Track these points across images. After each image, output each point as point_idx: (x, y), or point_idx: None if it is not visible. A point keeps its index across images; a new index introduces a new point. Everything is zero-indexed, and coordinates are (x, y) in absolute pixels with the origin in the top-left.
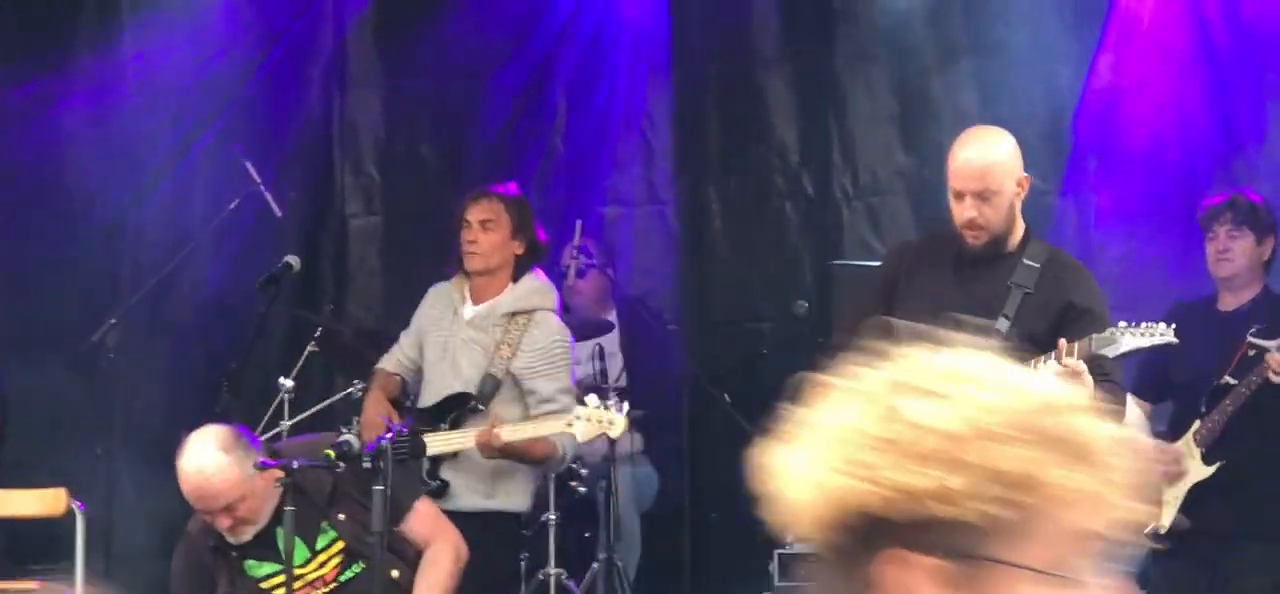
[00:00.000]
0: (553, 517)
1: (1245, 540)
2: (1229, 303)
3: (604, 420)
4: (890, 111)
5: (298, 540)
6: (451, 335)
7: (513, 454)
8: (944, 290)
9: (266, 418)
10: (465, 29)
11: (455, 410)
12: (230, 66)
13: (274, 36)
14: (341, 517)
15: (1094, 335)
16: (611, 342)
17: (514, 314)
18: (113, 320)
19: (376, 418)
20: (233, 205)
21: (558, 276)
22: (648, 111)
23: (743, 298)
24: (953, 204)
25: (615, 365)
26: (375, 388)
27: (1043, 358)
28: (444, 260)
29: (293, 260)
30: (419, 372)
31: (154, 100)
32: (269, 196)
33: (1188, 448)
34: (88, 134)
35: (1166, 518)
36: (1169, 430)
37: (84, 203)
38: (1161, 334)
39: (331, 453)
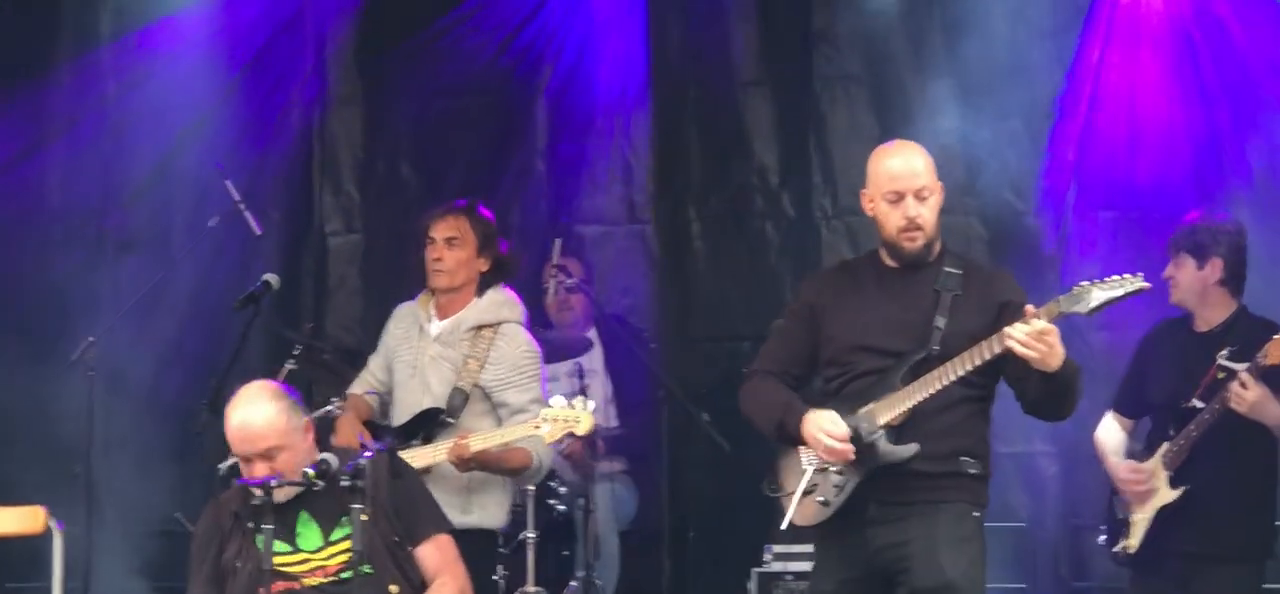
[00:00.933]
0: (531, 534)
1: (1212, 562)
2: (1202, 324)
3: (570, 418)
4: (870, 131)
5: (315, 526)
6: (420, 353)
7: (489, 465)
8: (874, 306)
9: (321, 414)
10: (446, 49)
11: (426, 427)
12: (210, 84)
13: (254, 55)
14: (364, 517)
15: (1061, 296)
16: (592, 359)
17: (479, 328)
18: (92, 338)
19: (352, 438)
20: (212, 223)
21: (536, 294)
22: (628, 131)
23: (722, 317)
24: (887, 211)
25: (596, 382)
26: (349, 411)
27: (1010, 327)
28: (424, 279)
29: (272, 278)
30: (391, 392)
31: (132, 118)
32: (248, 215)
33: (1156, 470)
34: (66, 152)
35: (1135, 539)
36: (1145, 449)
37: (63, 220)
38: (1132, 282)
39: (311, 472)
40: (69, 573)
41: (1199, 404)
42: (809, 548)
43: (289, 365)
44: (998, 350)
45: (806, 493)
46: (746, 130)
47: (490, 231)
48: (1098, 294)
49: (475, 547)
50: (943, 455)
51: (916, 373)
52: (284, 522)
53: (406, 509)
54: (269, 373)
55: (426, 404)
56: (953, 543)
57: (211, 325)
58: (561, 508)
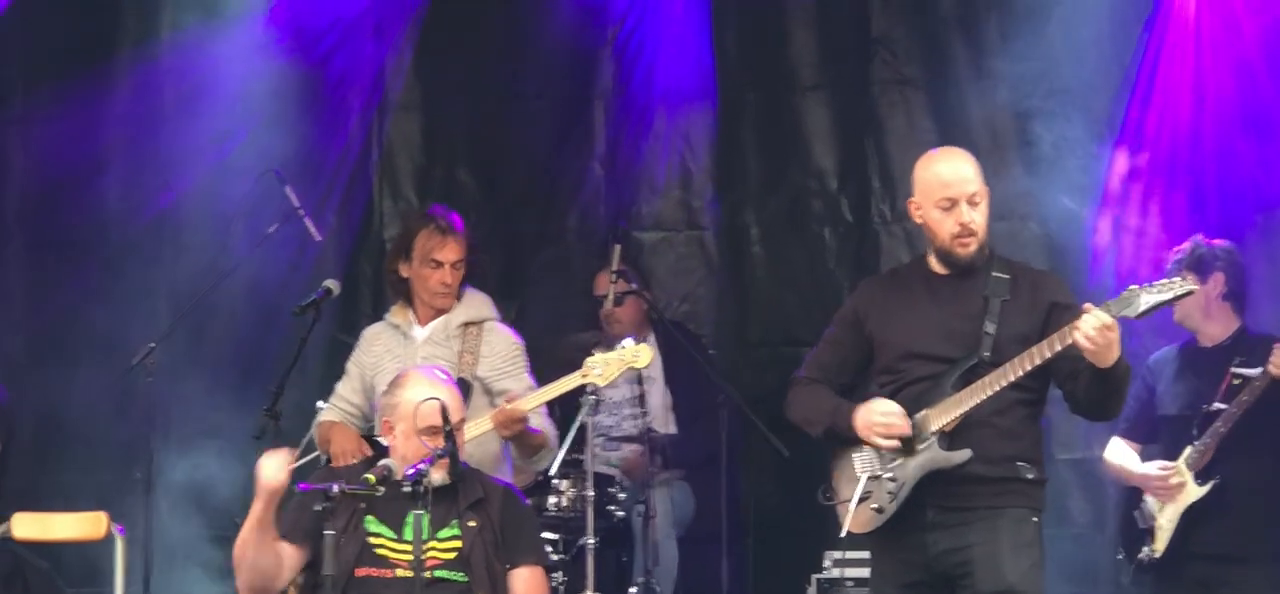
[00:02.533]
0: (590, 540)
1: (1240, 563)
2: (1207, 341)
3: (626, 358)
4: (928, 136)
5: (426, 519)
6: (408, 359)
7: (523, 434)
8: (924, 313)
9: (305, 441)
10: (504, 55)
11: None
12: (270, 90)
13: (314, 61)
14: (473, 524)
15: (1110, 301)
16: (651, 367)
17: (467, 324)
18: (153, 344)
19: (353, 447)
20: (272, 229)
21: (594, 302)
22: (687, 136)
23: (780, 322)
24: (939, 218)
25: (655, 391)
26: (335, 426)
27: (1070, 324)
28: (479, 283)
29: (332, 284)
30: (366, 419)
31: (191, 121)
32: (308, 221)
33: (1180, 473)
34: (125, 154)
35: (1161, 542)
36: (1163, 457)
37: (122, 224)
38: (1180, 285)
39: (372, 477)
40: (129, 578)
41: (1222, 406)
42: (868, 554)
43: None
44: (1058, 349)
45: (861, 500)
46: (805, 135)
47: (474, 245)
48: (1146, 298)
49: None
50: (999, 460)
51: (968, 379)
52: (396, 510)
53: (512, 531)
54: (329, 380)
55: None
56: (1014, 548)
57: (270, 331)
58: (620, 513)
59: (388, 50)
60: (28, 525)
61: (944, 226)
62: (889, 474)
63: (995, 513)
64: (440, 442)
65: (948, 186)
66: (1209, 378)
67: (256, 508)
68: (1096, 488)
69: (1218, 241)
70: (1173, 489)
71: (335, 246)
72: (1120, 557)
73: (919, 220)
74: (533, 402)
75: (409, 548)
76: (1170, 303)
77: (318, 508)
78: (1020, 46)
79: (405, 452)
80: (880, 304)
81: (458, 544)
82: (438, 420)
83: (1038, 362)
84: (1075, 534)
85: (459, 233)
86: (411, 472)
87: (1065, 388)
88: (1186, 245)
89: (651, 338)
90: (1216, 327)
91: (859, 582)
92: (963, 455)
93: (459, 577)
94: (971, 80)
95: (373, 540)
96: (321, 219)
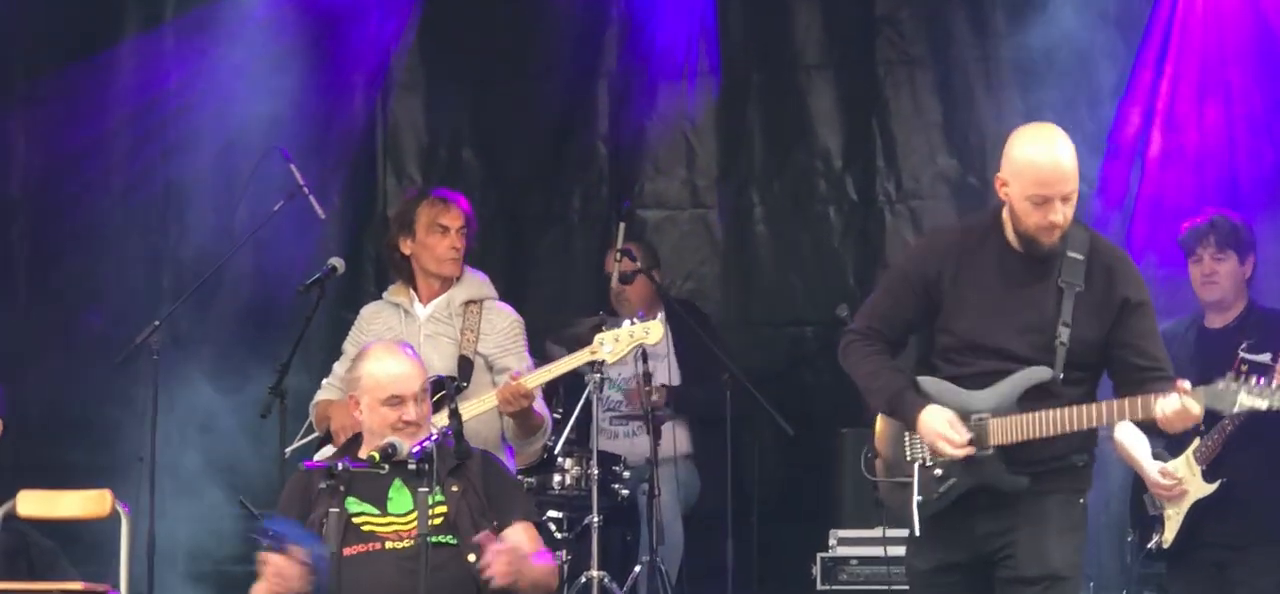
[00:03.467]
0: (596, 519)
1: (1248, 546)
2: (1216, 321)
3: (637, 334)
4: (933, 115)
5: (405, 490)
6: (409, 337)
7: (525, 412)
8: (995, 298)
9: (308, 422)
10: (509, 35)
11: (436, 395)
12: (274, 68)
13: (318, 39)
14: (455, 488)
15: (1205, 388)
16: (660, 344)
17: (469, 302)
18: (157, 323)
19: (351, 423)
20: (277, 207)
21: (602, 281)
22: (691, 115)
23: (785, 301)
24: (1027, 208)
25: (663, 369)
26: (333, 404)
27: (1158, 394)
28: (480, 260)
29: (338, 263)
30: None
31: (196, 101)
32: (313, 199)
33: (1188, 466)
34: (129, 134)
35: (1170, 532)
36: (1166, 451)
37: (126, 204)
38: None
39: (376, 455)
40: (134, 556)
41: None
42: (874, 534)
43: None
44: (1140, 417)
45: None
46: (810, 114)
47: (473, 221)
48: (1246, 400)
49: None
50: (1053, 454)
51: (1037, 396)
52: (377, 487)
53: (497, 490)
54: (332, 358)
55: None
56: (1060, 532)
57: (275, 309)
58: (625, 492)
59: (392, 30)
60: (33, 503)
61: (1031, 217)
62: (941, 471)
63: (1042, 496)
64: (408, 413)
65: (1043, 184)
66: (1218, 364)
67: None
68: (1100, 470)
69: (1236, 216)
70: (1177, 496)
71: (339, 225)
72: (1130, 538)
73: (1003, 196)
74: (539, 378)
75: (394, 521)
76: (1265, 412)
77: (323, 486)
78: (1025, 24)
79: (371, 424)
80: (952, 274)
81: (443, 510)
82: (398, 390)
83: (1108, 420)
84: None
85: (461, 203)
86: (417, 450)
87: (1120, 391)
88: (1226, 219)
89: (661, 315)
90: (1233, 308)
91: (863, 560)
92: (1020, 483)
93: (449, 539)
94: (977, 59)
95: (357, 519)
96: (326, 198)
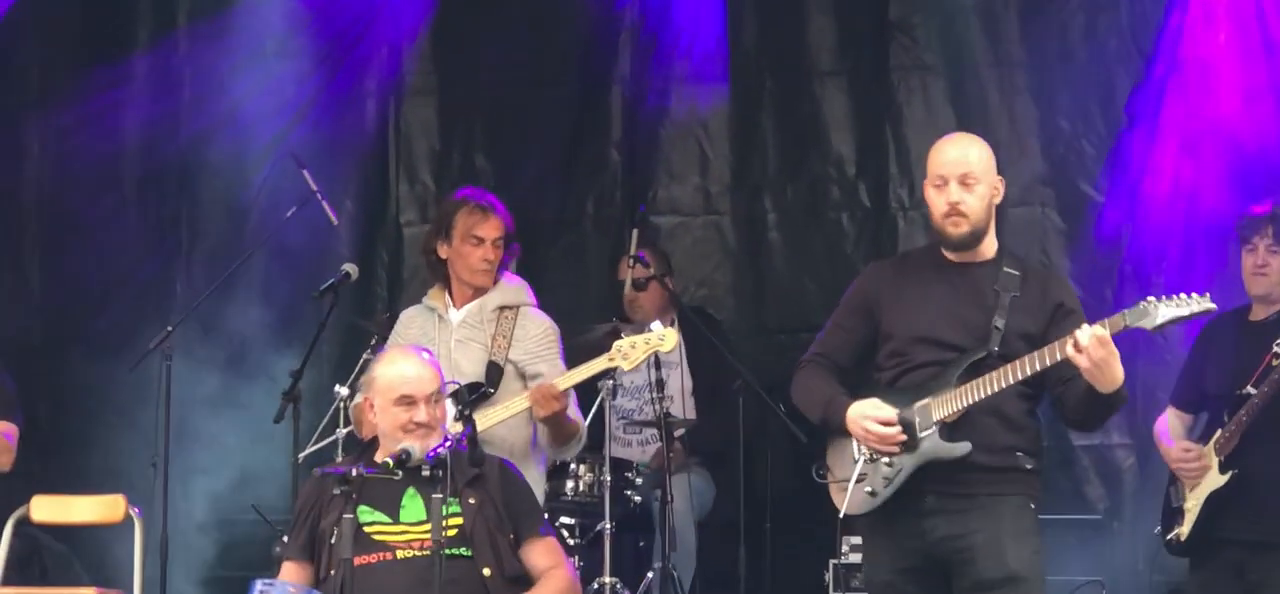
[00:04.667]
0: (608, 525)
1: (1266, 549)
2: (1260, 313)
3: (652, 341)
4: (946, 122)
5: (418, 499)
6: (442, 342)
7: (558, 418)
8: (936, 299)
9: (322, 425)
10: (522, 41)
11: (466, 400)
12: (286, 73)
13: (331, 44)
14: (472, 500)
15: (1126, 310)
16: (672, 352)
17: (502, 308)
18: (170, 328)
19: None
20: (289, 213)
21: (615, 287)
22: (704, 122)
23: (798, 308)
24: (933, 197)
25: (676, 376)
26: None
27: (1077, 332)
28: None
29: (351, 268)
30: None
31: (208, 106)
32: (325, 204)
33: (1209, 453)
34: (141, 139)
35: (1187, 525)
36: (1200, 440)
37: (139, 208)
38: (1198, 302)
39: (390, 462)
40: (146, 561)
41: (1252, 391)
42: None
43: (366, 356)
44: (1059, 357)
45: (857, 481)
46: (823, 121)
47: (510, 229)
48: (1164, 311)
49: None
50: (1000, 450)
51: (974, 372)
52: (390, 495)
53: (516, 504)
54: (346, 363)
55: (462, 382)
56: (1016, 535)
57: (288, 315)
58: (638, 499)
59: (405, 35)
60: (46, 508)
61: (935, 205)
62: (886, 460)
63: (996, 500)
64: (418, 415)
65: (943, 166)
66: (1252, 356)
67: None
68: (1114, 475)
69: None
70: (1191, 472)
71: (352, 231)
72: (1157, 530)
73: (928, 202)
74: (567, 381)
75: (407, 530)
76: (1188, 319)
77: (335, 492)
78: (1039, 31)
79: (384, 427)
80: (890, 287)
81: (458, 521)
82: (409, 390)
83: (1039, 367)
84: (1094, 521)
85: (499, 212)
86: (430, 455)
87: (1055, 393)
88: (1273, 210)
89: (674, 321)
90: (1276, 301)
91: None
92: (963, 448)
93: (464, 552)
94: (990, 66)
95: (368, 527)
96: (338, 204)
